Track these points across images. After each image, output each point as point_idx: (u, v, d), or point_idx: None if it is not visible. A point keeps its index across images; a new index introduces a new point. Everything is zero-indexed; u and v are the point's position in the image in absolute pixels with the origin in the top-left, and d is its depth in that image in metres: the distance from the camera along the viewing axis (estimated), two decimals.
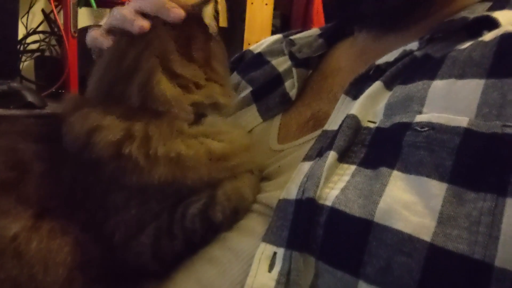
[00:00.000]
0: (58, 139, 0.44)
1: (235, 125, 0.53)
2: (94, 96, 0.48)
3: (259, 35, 1.91)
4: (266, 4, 1.92)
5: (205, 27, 0.47)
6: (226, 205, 0.43)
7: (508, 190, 0.32)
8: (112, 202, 0.42)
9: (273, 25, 1.95)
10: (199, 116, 0.46)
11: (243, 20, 1.96)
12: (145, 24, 0.45)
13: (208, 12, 0.47)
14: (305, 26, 1.93)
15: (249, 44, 1.93)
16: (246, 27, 1.95)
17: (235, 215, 0.44)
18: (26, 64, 1.63)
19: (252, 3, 1.92)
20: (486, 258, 0.31)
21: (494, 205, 0.32)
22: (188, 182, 0.41)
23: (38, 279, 0.40)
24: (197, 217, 0.42)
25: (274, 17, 1.95)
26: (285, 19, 2.06)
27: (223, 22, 1.99)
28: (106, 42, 0.47)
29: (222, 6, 1.98)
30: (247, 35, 1.95)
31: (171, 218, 0.42)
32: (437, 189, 0.34)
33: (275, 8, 1.94)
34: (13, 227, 0.40)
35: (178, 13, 0.45)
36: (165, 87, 0.43)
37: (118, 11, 0.47)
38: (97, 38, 0.48)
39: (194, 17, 0.46)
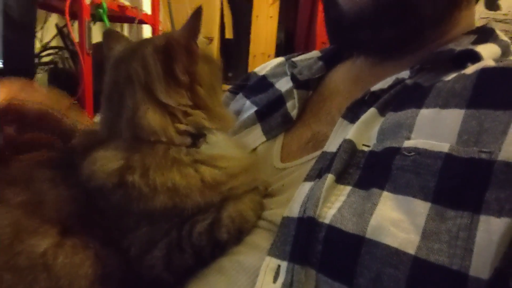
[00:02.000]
0: (71, 165, 0.48)
1: (238, 145, 0.56)
2: (101, 131, 0.51)
3: (264, 47, 1.96)
4: (271, 17, 1.96)
5: (191, 50, 0.48)
6: (231, 226, 0.47)
7: (482, 208, 0.36)
8: (125, 224, 0.46)
9: (278, 38, 2.00)
10: (197, 136, 0.49)
11: (248, 33, 2.01)
12: None
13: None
14: (309, 39, 1.97)
15: (254, 56, 1.98)
16: (251, 40, 2.00)
17: (240, 234, 0.48)
18: (40, 77, 1.69)
19: (257, 17, 1.97)
20: (462, 269, 0.35)
21: (470, 222, 0.36)
22: (188, 207, 0.45)
23: None
24: (203, 235, 0.46)
25: (279, 30, 2.00)
26: (289, 32, 2.11)
27: (229, 35, 2.04)
28: None
29: (228, 20, 2.03)
30: (252, 47, 2.00)
31: (179, 235, 0.46)
32: (422, 208, 0.39)
33: (279, 22, 1.98)
34: (42, 244, 0.44)
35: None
36: (151, 118, 0.46)
37: None
38: None
39: (179, 41, 0.48)
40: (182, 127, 0.48)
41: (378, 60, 0.61)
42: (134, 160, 0.45)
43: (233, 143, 0.54)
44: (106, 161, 0.46)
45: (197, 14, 0.47)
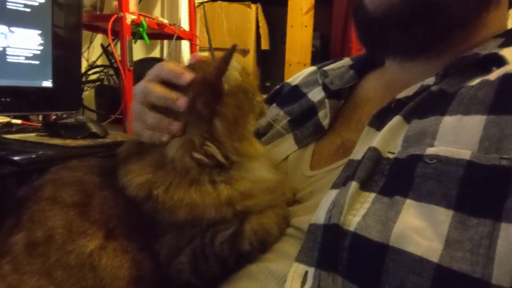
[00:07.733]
0: (114, 173, 0.53)
1: (270, 165, 0.57)
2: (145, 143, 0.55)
3: (300, 56, 1.98)
4: (306, 26, 1.98)
5: (215, 88, 0.50)
6: (253, 239, 0.49)
7: (502, 215, 0.36)
8: (156, 230, 0.50)
9: (313, 46, 2.00)
10: (223, 161, 0.51)
11: (284, 42, 2.04)
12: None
13: (230, 74, 0.50)
14: (344, 45, 1.97)
15: (290, 65, 2.00)
16: (287, 49, 2.03)
17: (263, 246, 0.50)
18: (87, 93, 1.79)
19: (292, 26, 1.99)
20: (484, 277, 0.35)
21: (491, 230, 0.36)
22: (206, 218, 0.48)
23: None
24: (225, 244, 0.48)
25: (314, 38, 2.01)
26: (324, 40, 2.11)
27: (265, 45, 2.08)
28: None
29: (264, 31, 2.07)
30: (288, 56, 2.03)
31: (202, 242, 0.49)
32: (444, 215, 0.39)
33: (314, 29, 2.00)
34: (89, 245, 0.48)
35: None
36: (174, 147, 0.50)
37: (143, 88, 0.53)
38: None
39: (205, 78, 0.50)
40: (197, 155, 0.50)
41: (407, 62, 0.60)
42: (158, 176, 0.50)
43: (264, 164, 0.55)
44: (134, 175, 0.50)
45: (230, 53, 0.49)
